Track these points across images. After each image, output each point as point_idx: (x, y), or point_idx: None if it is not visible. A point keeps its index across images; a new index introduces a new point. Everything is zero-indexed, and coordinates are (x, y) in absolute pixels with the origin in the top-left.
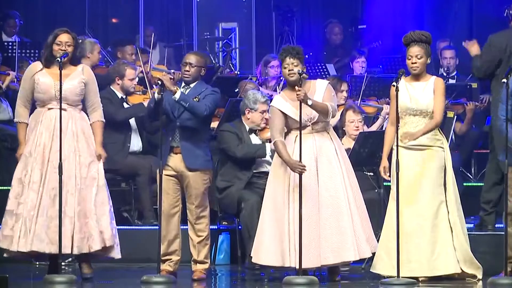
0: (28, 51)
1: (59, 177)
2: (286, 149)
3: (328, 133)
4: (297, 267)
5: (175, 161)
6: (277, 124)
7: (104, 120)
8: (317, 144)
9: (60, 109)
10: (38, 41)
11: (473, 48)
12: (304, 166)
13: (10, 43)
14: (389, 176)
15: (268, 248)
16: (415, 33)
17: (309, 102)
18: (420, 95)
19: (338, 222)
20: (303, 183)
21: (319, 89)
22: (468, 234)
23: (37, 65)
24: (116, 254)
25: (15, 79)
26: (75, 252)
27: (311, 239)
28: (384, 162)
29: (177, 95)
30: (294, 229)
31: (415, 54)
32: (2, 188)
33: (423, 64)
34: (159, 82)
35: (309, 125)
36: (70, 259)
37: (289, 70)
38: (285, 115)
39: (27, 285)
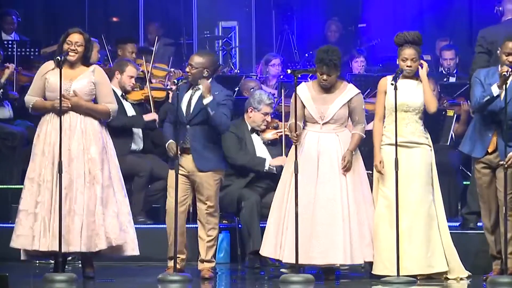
0: (28, 50)
1: (59, 176)
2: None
3: (337, 135)
4: (288, 262)
5: (187, 161)
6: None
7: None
8: (322, 144)
9: (61, 107)
10: (38, 40)
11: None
12: (296, 137)
13: (10, 42)
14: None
15: (269, 240)
16: (410, 34)
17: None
18: (413, 92)
19: (331, 225)
20: (301, 180)
21: (348, 94)
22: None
23: (49, 64)
24: (130, 251)
25: (14, 73)
26: (83, 249)
27: (302, 237)
28: (379, 157)
29: (208, 100)
30: (286, 225)
31: (411, 57)
32: (2, 186)
33: (417, 66)
34: (199, 87)
35: (320, 123)
36: (70, 258)
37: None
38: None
39: (27, 283)
